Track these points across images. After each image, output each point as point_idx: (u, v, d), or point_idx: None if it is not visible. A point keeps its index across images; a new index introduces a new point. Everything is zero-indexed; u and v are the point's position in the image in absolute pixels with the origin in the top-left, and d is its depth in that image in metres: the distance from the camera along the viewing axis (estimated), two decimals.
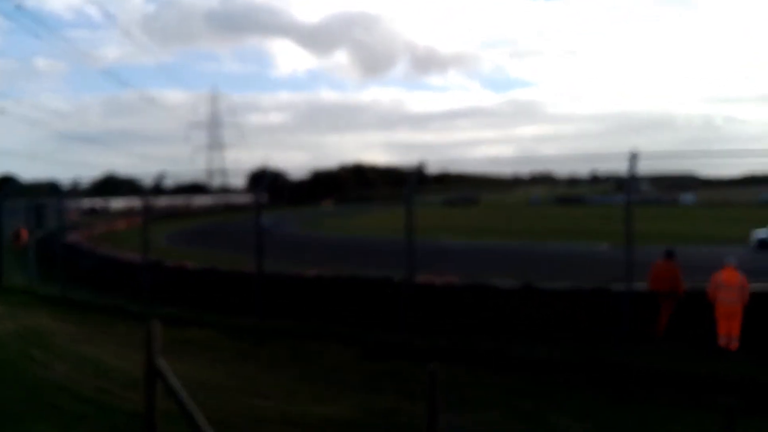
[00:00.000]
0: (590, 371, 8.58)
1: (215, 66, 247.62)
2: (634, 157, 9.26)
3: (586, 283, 11.77)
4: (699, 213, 52.55)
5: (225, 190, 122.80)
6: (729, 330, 9.51)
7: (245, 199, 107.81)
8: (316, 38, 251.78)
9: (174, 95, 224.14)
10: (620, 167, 9.37)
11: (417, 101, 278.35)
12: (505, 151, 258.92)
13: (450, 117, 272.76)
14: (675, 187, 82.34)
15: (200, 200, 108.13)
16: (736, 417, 3.96)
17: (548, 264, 22.55)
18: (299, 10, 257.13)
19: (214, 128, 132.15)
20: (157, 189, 16.83)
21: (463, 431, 6.30)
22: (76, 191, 23.65)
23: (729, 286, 9.52)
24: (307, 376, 8.64)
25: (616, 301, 9.87)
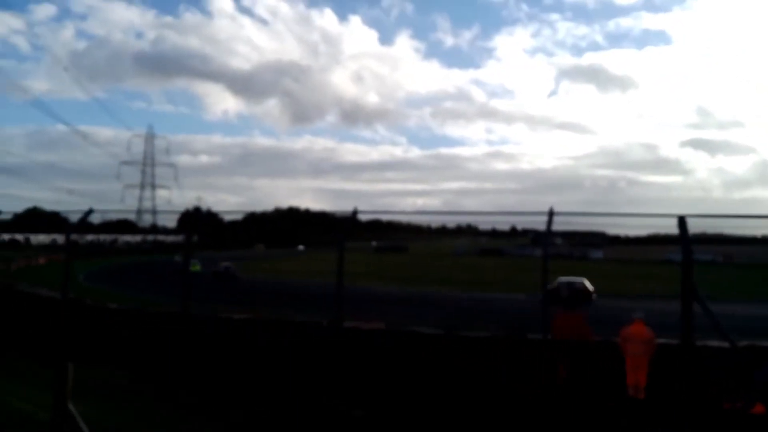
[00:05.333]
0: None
1: (144, 105, 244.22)
2: (551, 214, 9.88)
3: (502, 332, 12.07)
4: (607, 268, 55.15)
5: (154, 229, 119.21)
6: (636, 381, 10.02)
7: (174, 238, 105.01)
8: (248, 85, 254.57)
9: (103, 132, 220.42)
10: (536, 221, 9.96)
11: (348, 151, 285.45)
12: (431, 203, 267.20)
13: (379, 168, 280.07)
14: (584, 243, 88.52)
15: (128, 238, 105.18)
16: None
17: (471, 312, 23.28)
18: (231, 57, 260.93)
19: (147, 167, 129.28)
20: (83, 225, 16.09)
21: None
22: None
23: (636, 339, 10.09)
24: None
25: (534, 350, 10.18)
